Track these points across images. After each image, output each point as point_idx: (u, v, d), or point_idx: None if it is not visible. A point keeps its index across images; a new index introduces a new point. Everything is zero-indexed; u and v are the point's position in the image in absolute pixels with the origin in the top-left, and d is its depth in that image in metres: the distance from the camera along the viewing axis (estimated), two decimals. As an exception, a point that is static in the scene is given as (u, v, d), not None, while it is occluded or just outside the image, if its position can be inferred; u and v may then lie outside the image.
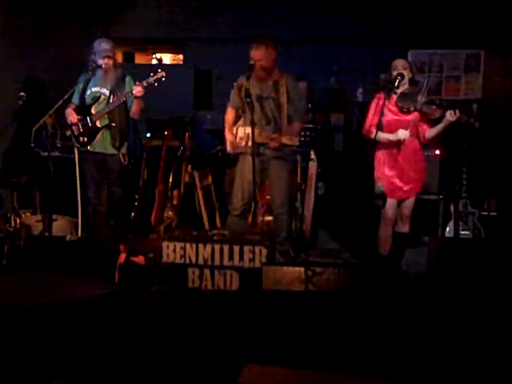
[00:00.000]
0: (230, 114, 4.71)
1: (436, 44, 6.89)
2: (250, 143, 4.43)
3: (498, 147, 6.32)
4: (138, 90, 4.79)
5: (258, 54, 4.44)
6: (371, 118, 4.38)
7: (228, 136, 4.66)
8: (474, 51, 6.92)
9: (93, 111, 4.93)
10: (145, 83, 4.80)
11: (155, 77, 4.79)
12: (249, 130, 4.47)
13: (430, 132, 4.35)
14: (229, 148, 4.67)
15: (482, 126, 4.35)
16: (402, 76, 4.28)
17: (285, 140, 4.51)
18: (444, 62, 6.96)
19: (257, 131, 4.40)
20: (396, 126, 4.33)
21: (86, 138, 4.95)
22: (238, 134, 4.63)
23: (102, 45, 4.91)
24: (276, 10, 7.09)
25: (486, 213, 5.39)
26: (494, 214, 5.49)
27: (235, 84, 4.67)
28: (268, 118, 4.53)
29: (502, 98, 6.59)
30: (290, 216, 5.11)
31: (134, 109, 4.93)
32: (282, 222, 4.65)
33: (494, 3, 6.52)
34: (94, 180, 5.04)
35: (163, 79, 4.81)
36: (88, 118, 4.93)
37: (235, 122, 4.69)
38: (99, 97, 4.93)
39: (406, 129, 4.26)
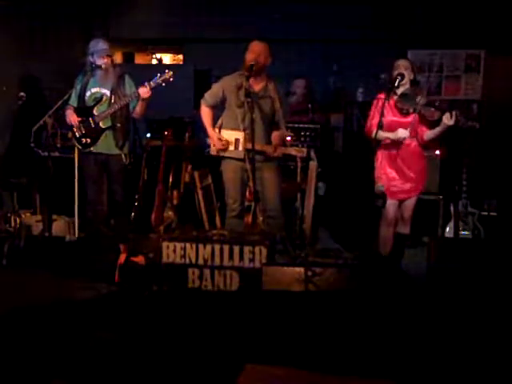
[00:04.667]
0: (208, 114, 4.67)
1: (436, 44, 6.89)
2: (240, 148, 4.45)
3: (498, 147, 6.32)
4: (144, 91, 4.77)
5: (263, 51, 4.44)
6: (372, 118, 4.39)
7: (214, 135, 4.60)
8: (474, 51, 6.92)
9: (95, 112, 4.92)
10: (152, 84, 4.79)
11: (163, 77, 4.77)
12: (237, 134, 4.49)
13: (428, 134, 4.37)
14: (215, 148, 4.61)
15: (482, 126, 4.36)
16: (402, 76, 4.28)
17: (293, 152, 4.56)
18: (444, 62, 6.96)
19: (246, 136, 4.40)
20: (396, 127, 4.34)
21: (88, 140, 4.94)
22: (224, 137, 4.59)
23: (100, 44, 4.90)
24: (276, 9, 7.08)
25: (485, 213, 5.39)
26: (494, 214, 5.49)
27: (219, 84, 4.66)
28: (260, 118, 4.51)
29: (503, 99, 6.58)
30: (290, 216, 5.12)
31: (139, 110, 4.92)
32: (278, 223, 4.66)
33: (495, 3, 6.51)
34: (95, 180, 5.03)
35: (171, 79, 4.78)
36: (90, 119, 4.92)
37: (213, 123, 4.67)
38: (101, 97, 4.91)
39: (405, 129, 4.27)
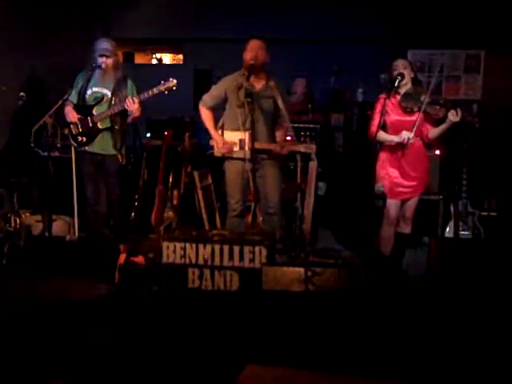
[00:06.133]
0: (209, 116, 4.65)
1: (436, 44, 6.89)
2: (246, 148, 4.44)
3: (498, 147, 6.32)
4: (133, 107, 4.74)
5: (261, 49, 4.44)
6: (374, 119, 4.37)
7: (217, 137, 4.60)
8: (474, 51, 6.93)
9: (94, 112, 4.91)
10: (141, 97, 4.75)
11: (165, 85, 4.71)
12: (241, 135, 4.47)
13: (433, 132, 4.35)
14: (218, 150, 4.60)
15: (482, 126, 4.36)
16: (402, 76, 4.27)
17: (302, 149, 4.55)
18: (444, 62, 6.96)
19: (249, 136, 4.40)
20: (400, 127, 4.33)
21: (84, 138, 4.93)
22: (227, 138, 4.58)
23: (100, 44, 4.88)
24: (276, 9, 7.08)
25: (485, 213, 5.39)
26: (494, 214, 5.49)
27: (219, 86, 4.65)
28: (263, 117, 4.52)
29: (503, 99, 6.59)
30: (290, 216, 5.12)
31: (131, 119, 4.93)
32: (277, 221, 4.66)
33: (495, 3, 6.51)
34: (92, 180, 5.02)
35: (174, 88, 4.72)
36: (89, 119, 4.91)
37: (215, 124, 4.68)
38: (102, 98, 4.89)
39: (410, 130, 4.26)
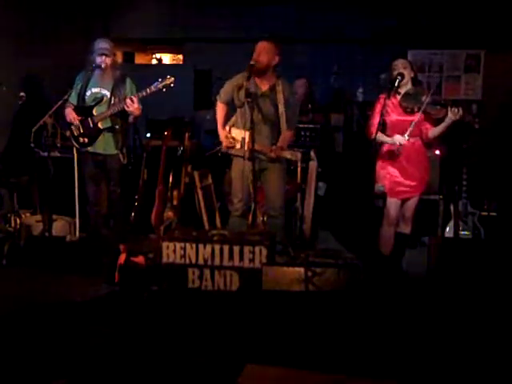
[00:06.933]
0: (221, 110, 4.68)
1: (436, 44, 6.90)
2: (246, 147, 4.45)
3: (498, 147, 6.32)
4: (132, 107, 4.76)
5: (265, 51, 4.44)
6: (373, 119, 4.37)
7: (222, 133, 4.64)
8: (474, 51, 6.93)
9: (94, 112, 4.92)
10: (140, 96, 4.77)
11: (163, 83, 4.71)
12: (244, 134, 4.49)
13: (433, 131, 4.35)
14: (224, 146, 4.66)
15: (481, 126, 4.36)
16: (402, 76, 4.28)
17: (288, 155, 4.56)
18: (444, 62, 6.96)
19: (249, 136, 4.39)
20: (400, 127, 4.33)
21: (86, 139, 4.94)
22: (232, 135, 4.62)
23: (101, 44, 4.89)
24: (276, 9, 7.09)
25: (485, 213, 5.39)
26: (494, 214, 5.49)
27: (230, 82, 4.66)
28: (265, 119, 4.52)
29: (503, 99, 6.60)
30: (290, 216, 5.12)
31: (132, 118, 4.94)
32: (279, 224, 4.67)
33: (494, 3, 6.52)
34: (93, 180, 5.04)
35: (172, 85, 4.74)
36: (89, 119, 4.91)
37: (226, 121, 4.70)
38: (102, 98, 4.90)
39: (407, 130, 4.25)
